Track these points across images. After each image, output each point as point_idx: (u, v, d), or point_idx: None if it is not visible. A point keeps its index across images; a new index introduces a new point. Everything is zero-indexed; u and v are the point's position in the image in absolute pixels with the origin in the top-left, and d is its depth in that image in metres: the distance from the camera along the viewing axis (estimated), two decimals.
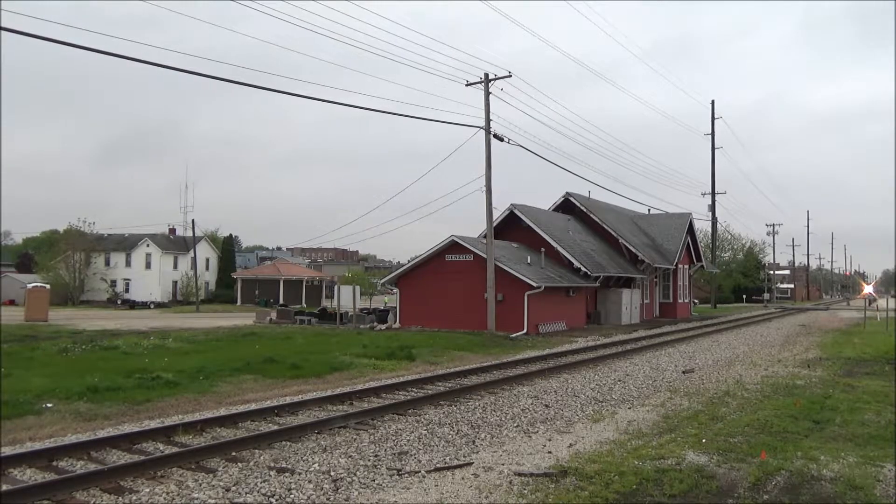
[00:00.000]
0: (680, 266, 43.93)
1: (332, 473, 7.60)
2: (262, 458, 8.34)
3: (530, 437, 9.61)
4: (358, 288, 33.76)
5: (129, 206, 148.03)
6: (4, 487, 6.96)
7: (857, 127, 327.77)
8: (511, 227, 34.62)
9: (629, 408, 11.87)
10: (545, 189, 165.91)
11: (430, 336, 25.08)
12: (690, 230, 45.96)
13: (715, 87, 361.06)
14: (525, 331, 27.87)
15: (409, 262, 36.20)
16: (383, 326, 30.39)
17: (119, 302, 60.79)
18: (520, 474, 7.46)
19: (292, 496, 6.86)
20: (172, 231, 68.58)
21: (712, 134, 61.56)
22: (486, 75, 27.96)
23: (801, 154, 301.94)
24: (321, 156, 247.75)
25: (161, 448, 8.83)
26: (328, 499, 6.83)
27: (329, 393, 12.97)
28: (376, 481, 7.37)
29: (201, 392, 13.12)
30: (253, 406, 11.76)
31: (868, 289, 57.90)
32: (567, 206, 41.61)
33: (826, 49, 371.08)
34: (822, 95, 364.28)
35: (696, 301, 56.50)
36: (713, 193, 61.25)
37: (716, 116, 61.86)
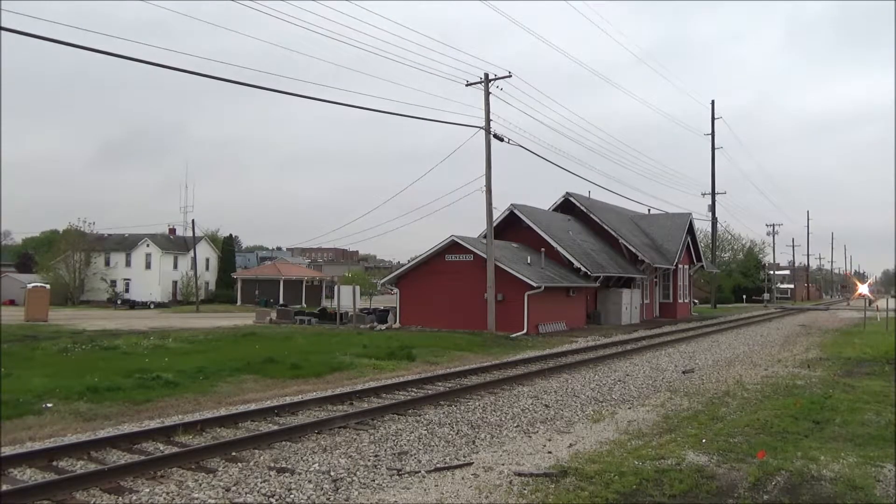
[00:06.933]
0: (680, 266, 43.93)
1: (332, 473, 7.60)
2: (262, 458, 8.34)
3: (530, 437, 9.61)
4: (358, 288, 33.77)
5: (129, 206, 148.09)
6: (4, 487, 6.96)
7: (854, 128, 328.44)
8: (511, 227, 34.62)
9: (629, 408, 11.87)
10: (545, 189, 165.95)
11: (430, 336, 25.08)
12: (690, 230, 45.96)
13: (710, 90, 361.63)
14: (525, 331, 27.87)
15: (409, 262, 36.21)
16: (383, 326, 30.40)
17: (119, 302, 60.79)
18: (520, 474, 7.45)
19: (292, 496, 6.86)
20: (172, 231, 68.60)
21: (712, 134, 61.61)
22: (486, 75, 27.97)
23: (800, 155, 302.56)
24: (322, 156, 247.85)
25: (161, 448, 8.83)
26: (328, 499, 6.83)
27: (329, 393, 12.97)
28: (376, 481, 7.37)
29: (201, 392, 13.12)
30: (253, 406, 11.75)
31: (863, 288, 52.35)
32: (567, 206, 41.61)
33: (815, 53, 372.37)
34: (817, 98, 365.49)
35: (695, 301, 56.47)
36: (713, 193, 61.27)
37: (715, 117, 61.97)
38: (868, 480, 7.11)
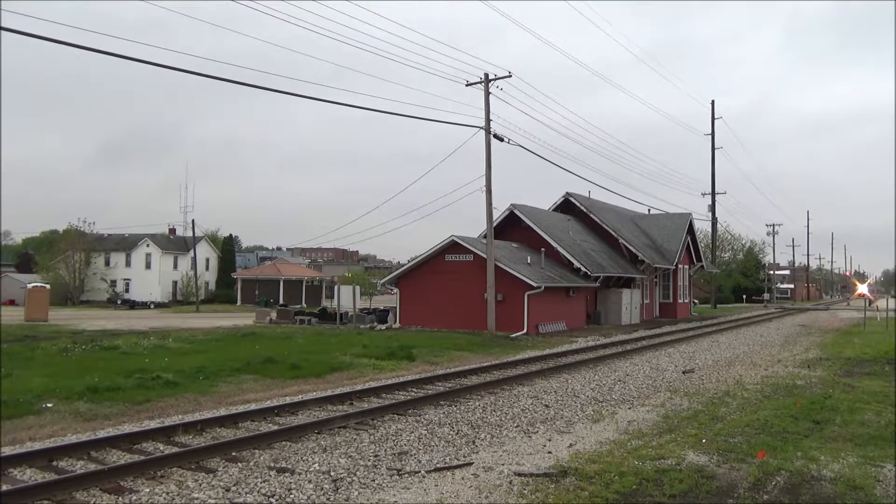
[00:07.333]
0: (680, 266, 43.92)
1: (332, 473, 7.60)
2: (262, 458, 8.34)
3: (530, 437, 9.61)
4: (358, 288, 33.76)
5: (129, 206, 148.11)
6: (4, 487, 6.96)
7: (854, 128, 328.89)
8: (511, 227, 34.62)
9: (629, 408, 11.87)
10: (545, 189, 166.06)
11: (430, 336, 25.08)
12: (690, 230, 45.95)
13: (710, 90, 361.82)
14: (525, 331, 27.86)
15: (409, 262, 36.20)
16: (383, 326, 30.39)
17: (119, 302, 60.79)
18: (520, 474, 7.46)
19: (292, 496, 6.86)
20: (172, 231, 68.61)
21: (712, 134, 61.62)
22: (486, 75, 28.00)
23: (800, 155, 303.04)
24: (322, 156, 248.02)
25: (161, 448, 8.82)
26: (328, 499, 6.83)
27: (329, 393, 12.97)
28: (376, 481, 7.37)
29: (201, 392, 13.12)
30: (253, 406, 11.75)
31: (863, 288, 50.22)
32: (567, 206, 41.61)
33: (815, 53, 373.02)
34: (817, 98, 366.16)
35: (695, 301, 56.46)
36: (713, 193, 61.28)
37: (715, 117, 61.95)
38: (868, 480, 7.12)
